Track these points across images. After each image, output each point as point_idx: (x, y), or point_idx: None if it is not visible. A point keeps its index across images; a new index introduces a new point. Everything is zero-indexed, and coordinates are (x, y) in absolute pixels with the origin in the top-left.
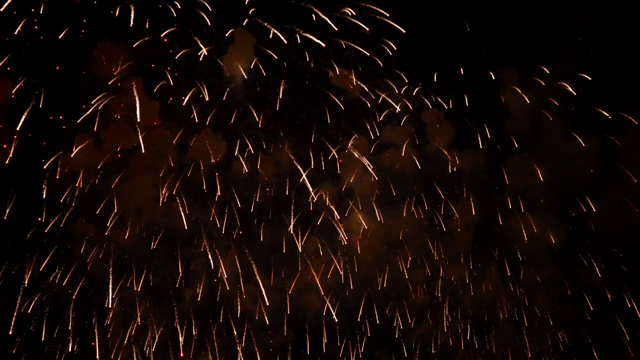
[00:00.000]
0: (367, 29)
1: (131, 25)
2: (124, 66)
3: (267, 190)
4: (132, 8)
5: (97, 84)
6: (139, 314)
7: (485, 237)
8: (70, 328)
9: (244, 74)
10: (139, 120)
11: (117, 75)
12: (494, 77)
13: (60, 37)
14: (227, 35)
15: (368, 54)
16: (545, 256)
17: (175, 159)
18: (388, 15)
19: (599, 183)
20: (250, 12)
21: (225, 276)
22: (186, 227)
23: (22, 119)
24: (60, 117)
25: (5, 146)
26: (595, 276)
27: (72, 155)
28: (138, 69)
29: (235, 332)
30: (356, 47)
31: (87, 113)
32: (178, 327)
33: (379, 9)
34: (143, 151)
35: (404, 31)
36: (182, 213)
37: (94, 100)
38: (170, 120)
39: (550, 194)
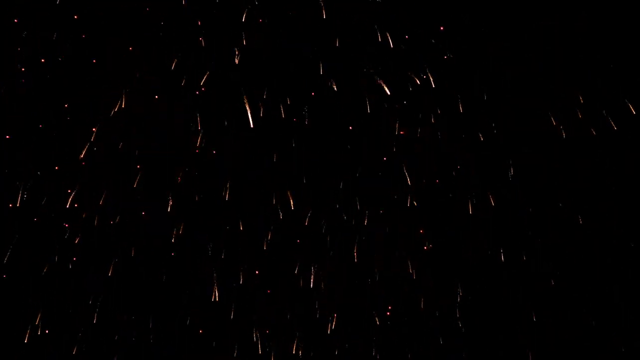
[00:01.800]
0: (403, 47)
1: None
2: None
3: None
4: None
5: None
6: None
7: (511, 285)
8: None
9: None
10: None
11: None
12: (522, 104)
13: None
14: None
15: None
16: (572, 307)
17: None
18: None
19: None
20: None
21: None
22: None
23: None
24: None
25: (10, 205)
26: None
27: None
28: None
29: None
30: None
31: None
32: None
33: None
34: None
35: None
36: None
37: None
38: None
39: (589, 247)
